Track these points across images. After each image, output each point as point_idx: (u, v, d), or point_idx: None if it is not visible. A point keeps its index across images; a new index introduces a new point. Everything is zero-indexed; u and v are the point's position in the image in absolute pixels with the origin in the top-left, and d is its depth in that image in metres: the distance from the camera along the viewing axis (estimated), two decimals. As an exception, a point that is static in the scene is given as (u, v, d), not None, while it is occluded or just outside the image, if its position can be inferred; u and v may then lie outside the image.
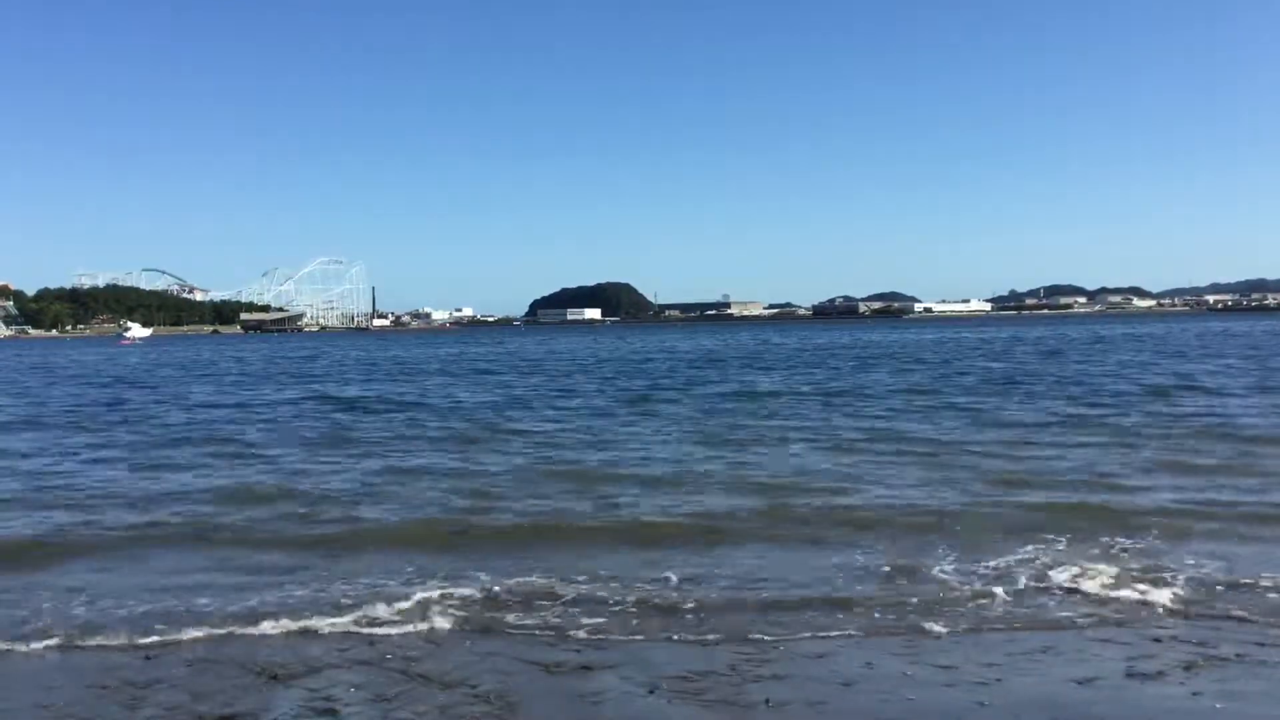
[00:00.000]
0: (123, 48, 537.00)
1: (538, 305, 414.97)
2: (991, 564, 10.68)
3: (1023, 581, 10.08)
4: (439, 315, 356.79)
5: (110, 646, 8.68)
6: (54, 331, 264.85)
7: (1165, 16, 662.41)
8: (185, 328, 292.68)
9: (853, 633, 8.73)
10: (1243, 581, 9.96)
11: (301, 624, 9.17)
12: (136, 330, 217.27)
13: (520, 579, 10.48)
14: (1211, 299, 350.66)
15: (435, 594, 10.04)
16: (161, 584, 10.55)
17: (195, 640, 8.81)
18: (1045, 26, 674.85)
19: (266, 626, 9.12)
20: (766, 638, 8.61)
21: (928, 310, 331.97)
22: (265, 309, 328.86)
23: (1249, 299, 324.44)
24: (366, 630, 9.01)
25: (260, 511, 14.20)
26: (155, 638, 8.85)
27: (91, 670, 8.13)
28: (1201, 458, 17.34)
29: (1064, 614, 9.18)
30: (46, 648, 8.70)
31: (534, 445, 21.02)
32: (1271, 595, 9.82)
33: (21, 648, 8.71)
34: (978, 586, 9.96)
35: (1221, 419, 22.64)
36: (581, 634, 8.82)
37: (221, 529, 13.20)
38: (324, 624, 9.17)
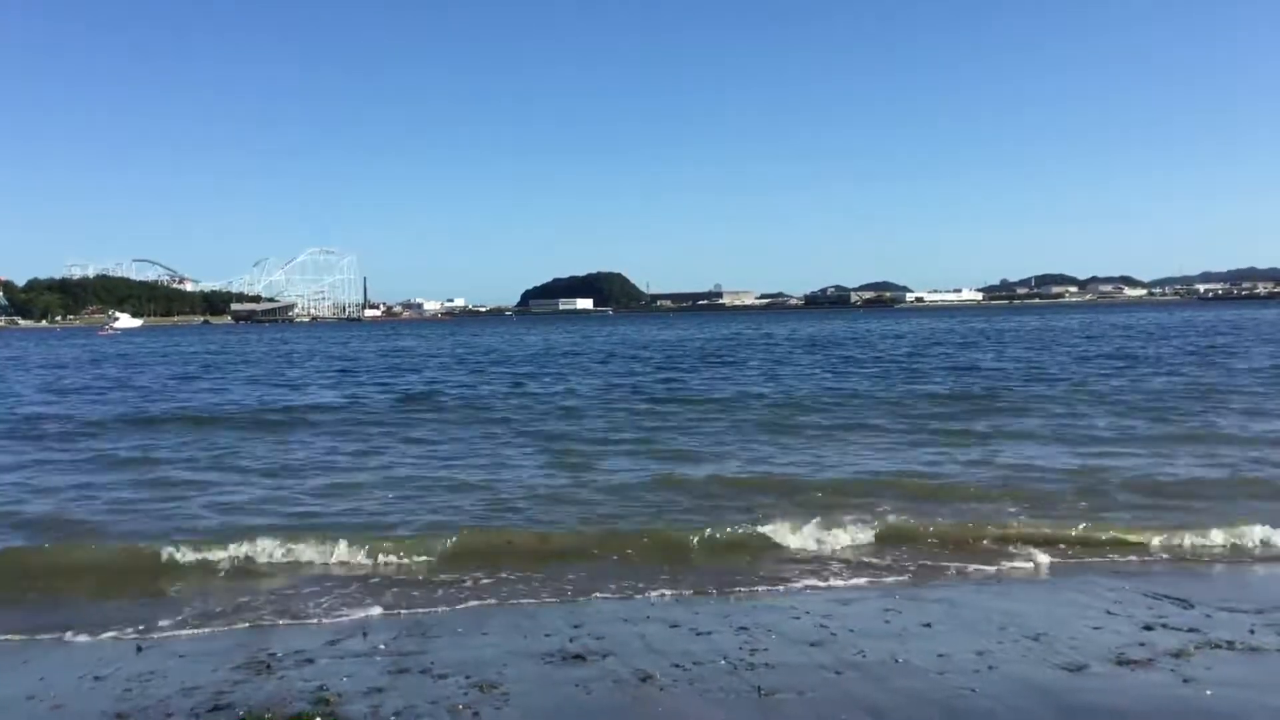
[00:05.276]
0: (114, 39, 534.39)
1: (530, 295, 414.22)
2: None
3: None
4: (431, 305, 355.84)
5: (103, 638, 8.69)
6: (44, 322, 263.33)
7: (1157, 9, 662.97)
8: (175, 318, 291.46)
9: (849, 623, 8.76)
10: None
11: (294, 613, 9.22)
12: (124, 321, 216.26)
13: (510, 571, 10.53)
14: (1202, 288, 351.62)
15: (427, 583, 10.10)
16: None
17: (188, 630, 8.82)
18: (1037, 19, 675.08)
19: (259, 616, 9.14)
20: (760, 625, 8.64)
21: (919, 300, 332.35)
22: (256, 299, 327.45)
23: (1239, 287, 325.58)
24: (359, 619, 9.02)
25: None
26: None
27: (84, 662, 8.11)
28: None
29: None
30: (36, 639, 8.70)
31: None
32: (1265, 583, 9.91)
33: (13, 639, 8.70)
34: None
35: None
36: (575, 623, 8.83)
37: None
38: (317, 613, 9.21)
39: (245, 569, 10.67)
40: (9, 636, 8.70)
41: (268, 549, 10.92)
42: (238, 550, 10.89)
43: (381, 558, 10.81)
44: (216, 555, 10.82)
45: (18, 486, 15.78)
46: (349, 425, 23.35)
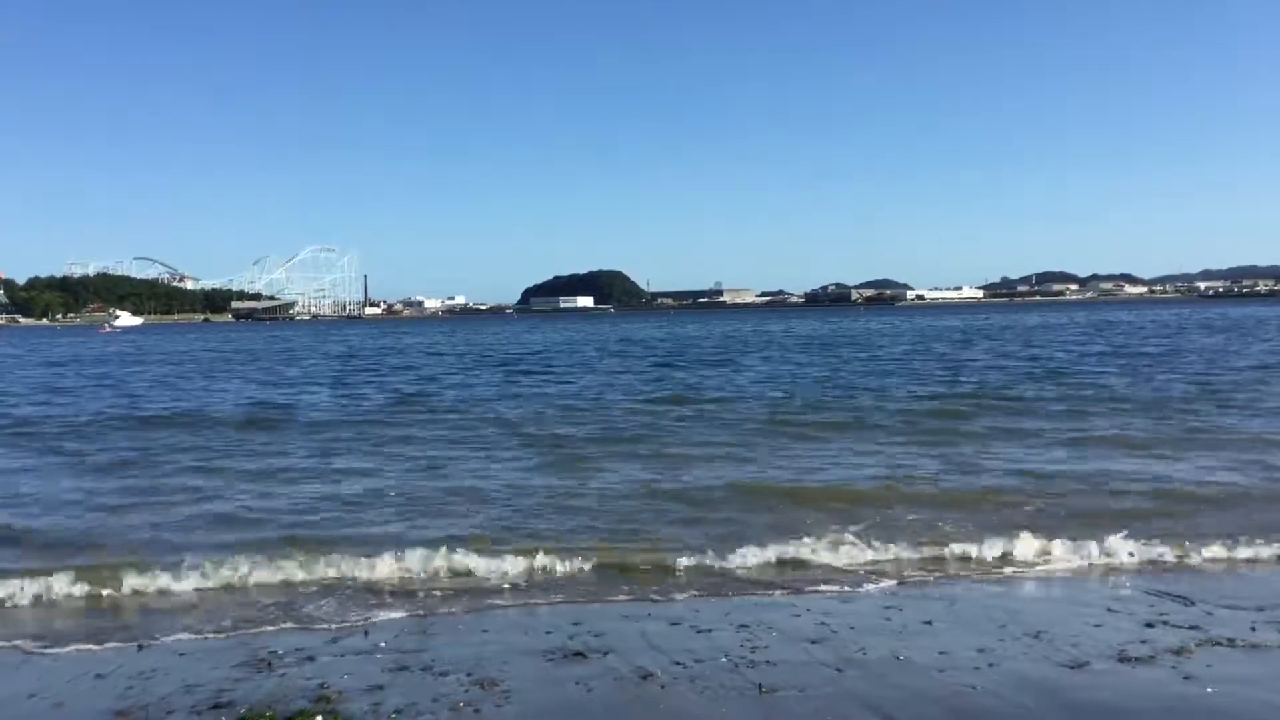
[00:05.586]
0: (114, 36, 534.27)
1: (530, 293, 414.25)
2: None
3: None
4: (431, 303, 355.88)
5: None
6: (44, 320, 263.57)
7: (1157, 8, 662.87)
8: (176, 316, 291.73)
9: (849, 620, 8.75)
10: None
11: (294, 614, 9.22)
12: (124, 319, 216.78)
13: (512, 568, 10.51)
14: (1203, 285, 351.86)
15: (426, 585, 10.07)
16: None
17: (189, 630, 8.82)
18: (1037, 17, 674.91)
19: (259, 616, 9.15)
20: (761, 623, 8.63)
21: (920, 298, 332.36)
22: (257, 297, 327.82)
23: (1240, 285, 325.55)
24: (360, 620, 9.02)
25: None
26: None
27: (84, 660, 8.10)
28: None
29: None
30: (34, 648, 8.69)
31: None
32: (1266, 581, 9.89)
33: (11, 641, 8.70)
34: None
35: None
36: (575, 621, 8.84)
37: None
38: (317, 615, 9.20)
39: (241, 580, 10.26)
40: (6, 643, 8.65)
41: (263, 560, 10.64)
42: (233, 563, 10.54)
43: (379, 569, 10.49)
44: (211, 566, 10.48)
45: (2, 493, 15.56)
46: (345, 427, 23.20)
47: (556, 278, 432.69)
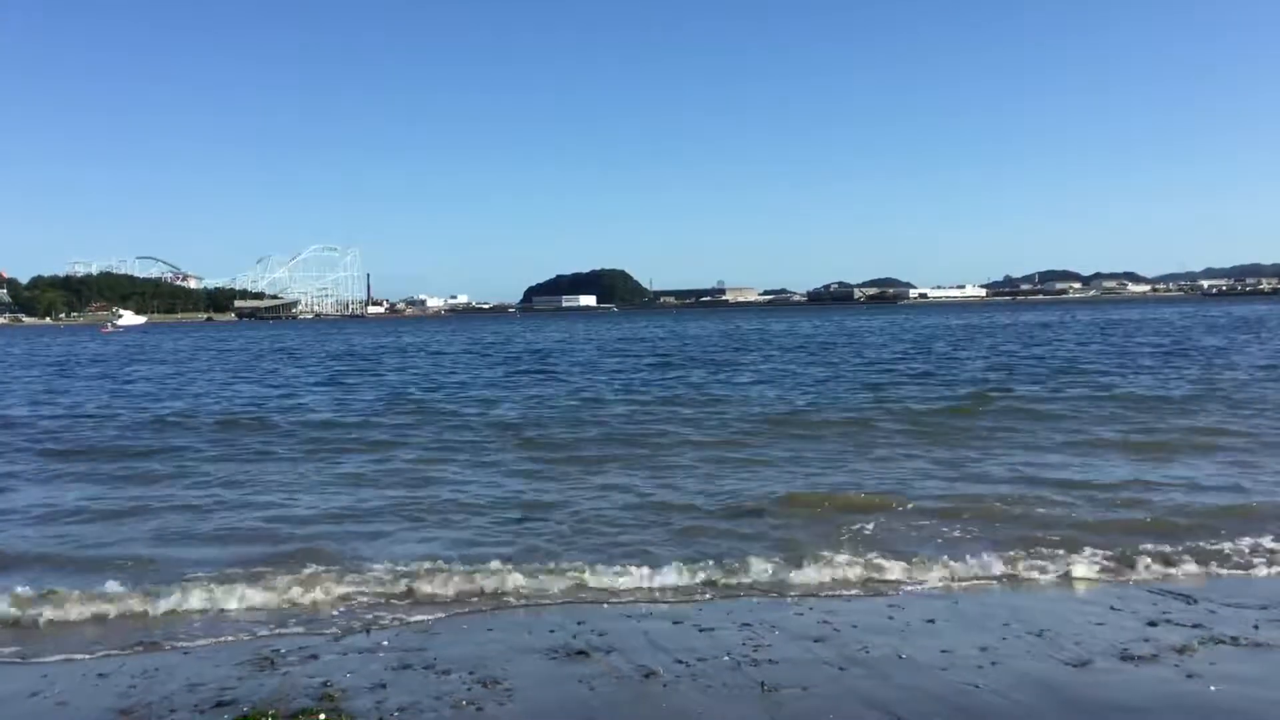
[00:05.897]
0: (116, 36, 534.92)
1: (533, 292, 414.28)
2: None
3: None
4: (434, 302, 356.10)
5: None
6: (48, 319, 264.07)
7: (1156, 9, 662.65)
8: (179, 315, 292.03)
9: (850, 618, 8.75)
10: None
11: (295, 614, 9.23)
12: (127, 318, 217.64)
13: (512, 565, 10.50)
14: (1206, 284, 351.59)
15: (427, 590, 10.05)
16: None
17: (189, 632, 8.83)
18: (1038, 14, 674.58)
19: (260, 618, 9.17)
20: (763, 622, 8.63)
21: (923, 296, 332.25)
22: (259, 296, 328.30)
23: (1243, 283, 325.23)
24: (362, 621, 9.02)
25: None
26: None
27: (86, 661, 8.11)
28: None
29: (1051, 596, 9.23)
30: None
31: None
32: (1269, 579, 9.88)
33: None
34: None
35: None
36: (578, 620, 8.84)
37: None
38: (318, 616, 9.22)
39: (239, 584, 9.87)
40: (5, 648, 8.61)
41: (261, 564, 10.51)
42: (229, 571, 10.32)
43: (379, 574, 10.19)
44: (208, 569, 10.39)
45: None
46: (343, 429, 22.88)
47: (559, 277, 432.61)
